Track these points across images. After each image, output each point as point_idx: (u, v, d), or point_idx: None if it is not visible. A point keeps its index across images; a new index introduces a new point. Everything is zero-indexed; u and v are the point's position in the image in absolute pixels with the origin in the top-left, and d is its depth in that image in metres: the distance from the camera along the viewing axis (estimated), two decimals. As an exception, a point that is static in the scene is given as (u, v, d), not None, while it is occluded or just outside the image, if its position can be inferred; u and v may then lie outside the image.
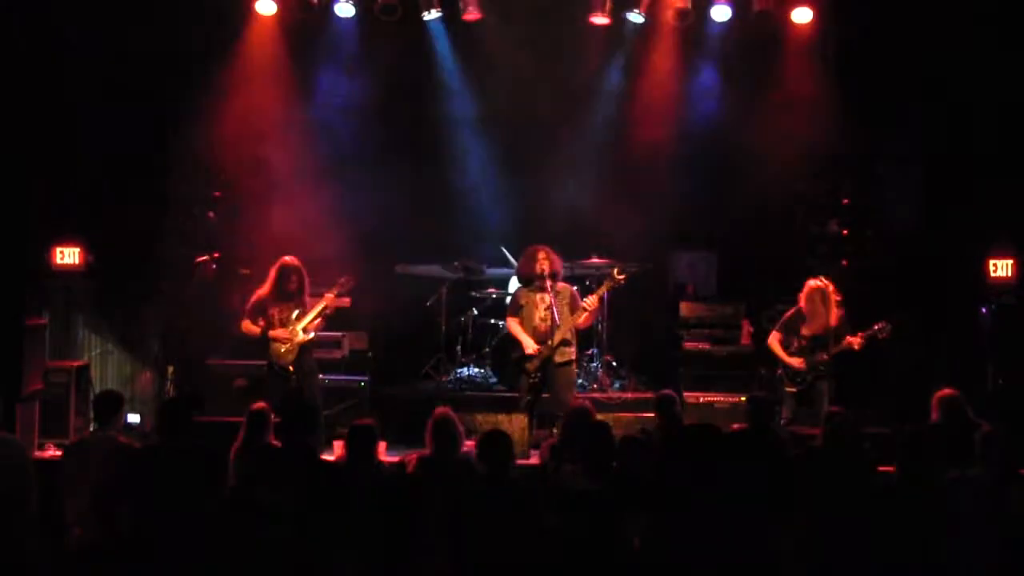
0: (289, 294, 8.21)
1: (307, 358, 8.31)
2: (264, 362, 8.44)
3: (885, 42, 9.68)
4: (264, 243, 9.33)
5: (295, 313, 8.19)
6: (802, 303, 8.30)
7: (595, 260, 9.92)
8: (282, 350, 8.18)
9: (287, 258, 8.28)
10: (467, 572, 4.96)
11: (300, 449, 5.75)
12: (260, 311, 8.22)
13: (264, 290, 8.27)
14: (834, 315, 8.22)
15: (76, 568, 4.93)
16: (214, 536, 4.80)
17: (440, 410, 6.10)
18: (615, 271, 8.30)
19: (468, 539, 5.05)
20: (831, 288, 8.25)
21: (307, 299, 8.31)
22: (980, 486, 5.32)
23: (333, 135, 10.33)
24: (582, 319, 8.27)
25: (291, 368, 8.19)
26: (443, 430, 5.94)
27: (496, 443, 5.49)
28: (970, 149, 9.44)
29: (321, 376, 9.17)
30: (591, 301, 8.22)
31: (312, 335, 8.26)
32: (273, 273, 8.25)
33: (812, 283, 8.28)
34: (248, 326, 8.26)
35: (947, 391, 6.82)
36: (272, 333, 8.17)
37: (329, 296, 8.26)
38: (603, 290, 8.37)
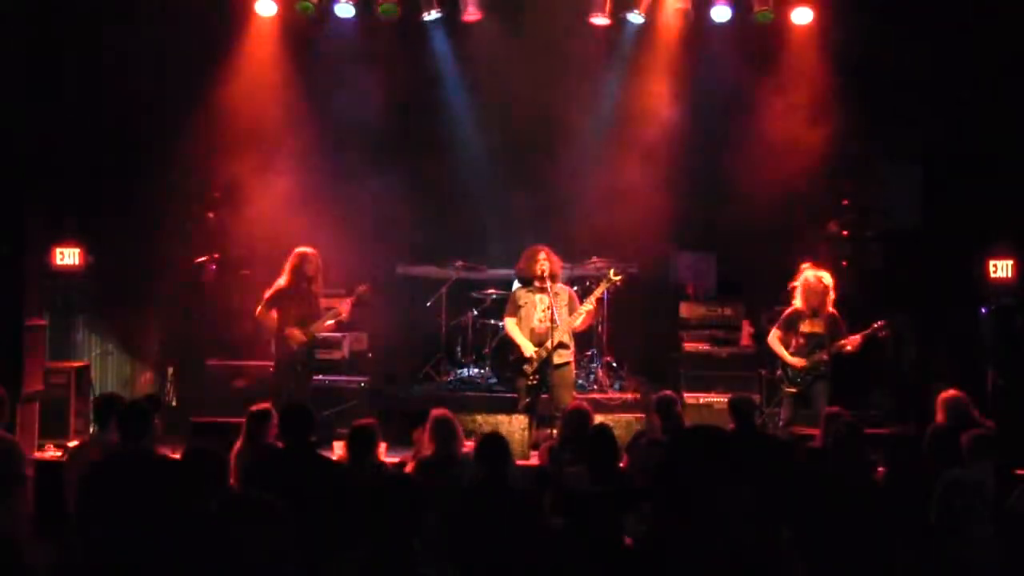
0: (306, 287, 8.29)
1: (311, 358, 8.44)
2: (265, 362, 8.46)
3: (885, 42, 9.67)
4: (264, 243, 9.34)
5: (307, 313, 8.25)
6: (798, 291, 8.29)
7: (596, 261, 9.92)
8: (294, 347, 8.23)
9: (304, 248, 8.38)
10: (468, 573, 4.95)
11: (302, 449, 5.75)
12: (276, 303, 8.29)
13: (283, 282, 8.34)
14: (829, 307, 8.22)
15: (77, 570, 4.93)
16: (214, 537, 4.79)
17: (439, 411, 6.11)
18: (611, 272, 8.31)
19: (468, 540, 5.05)
20: (831, 284, 8.26)
21: (320, 295, 8.42)
22: (979, 486, 5.32)
23: (333, 135, 10.33)
24: (579, 322, 8.27)
25: (297, 366, 8.26)
26: (443, 431, 5.95)
27: (494, 446, 5.49)
28: (970, 149, 9.44)
29: (321, 376, 9.20)
30: (589, 304, 8.22)
31: (314, 335, 8.36)
32: (290, 263, 8.33)
33: (804, 266, 8.29)
34: (264, 314, 8.35)
35: (951, 392, 6.84)
36: (288, 331, 8.23)
37: (344, 304, 8.35)
38: (599, 292, 8.39)
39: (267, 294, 8.37)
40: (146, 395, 8.09)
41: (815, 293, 8.18)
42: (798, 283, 8.33)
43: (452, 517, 5.14)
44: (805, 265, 8.43)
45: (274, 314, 8.32)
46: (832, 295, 8.24)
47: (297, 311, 8.28)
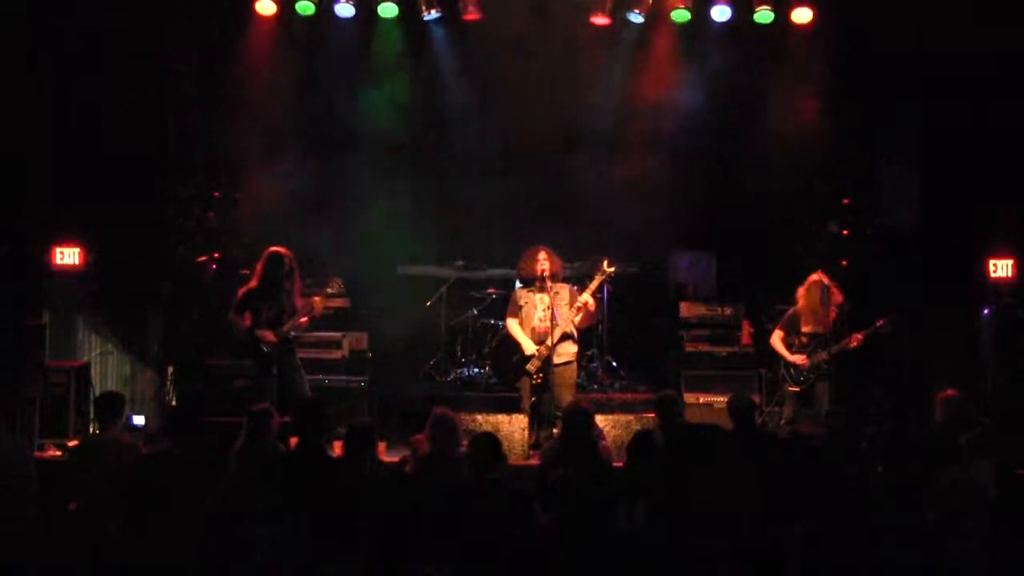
0: (276, 288, 8.11)
1: (290, 358, 8.20)
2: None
3: (885, 42, 9.68)
4: (264, 243, 9.33)
5: (278, 315, 8.13)
6: (802, 298, 8.32)
7: (596, 261, 9.90)
8: (266, 349, 8.14)
9: (275, 248, 8.20)
10: (465, 571, 4.96)
11: (310, 449, 5.75)
12: (247, 305, 8.12)
13: (252, 283, 8.18)
14: (833, 314, 8.24)
15: (80, 567, 4.94)
16: (214, 537, 4.80)
17: (439, 410, 6.12)
18: (605, 263, 8.27)
19: (461, 539, 5.06)
20: (834, 287, 8.28)
21: (296, 294, 8.25)
22: (979, 486, 5.33)
23: (333, 135, 10.34)
24: (579, 319, 8.23)
25: (273, 368, 8.14)
26: (441, 429, 5.96)
27: (482, 446, 5.49)
28: (970, 149, 9.44)
29: (321, 376, 9.18)
30: (585, 298, 8.18)
31: (293, 334, 8.21)
32: (260, 265, 8.17)
33: (814, 277, 8.31)
34: (236, 318, 8.17)
35: (950, 391, 6.85)
36: (258, 333, 8.09)
37: (317, 300, 8.19)
38: (595, 285, 8.33)
39: (237, 298, 8.17)
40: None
41: (818, 306, 8.19)
42: (803, 297, 8.32)
43: (445, 516, 5.15)
44: (815, 276, 8.38)
45: (246, 316, 8.12)
46: (836, 298, 8.25)
47: (268, 313, 8.09)
